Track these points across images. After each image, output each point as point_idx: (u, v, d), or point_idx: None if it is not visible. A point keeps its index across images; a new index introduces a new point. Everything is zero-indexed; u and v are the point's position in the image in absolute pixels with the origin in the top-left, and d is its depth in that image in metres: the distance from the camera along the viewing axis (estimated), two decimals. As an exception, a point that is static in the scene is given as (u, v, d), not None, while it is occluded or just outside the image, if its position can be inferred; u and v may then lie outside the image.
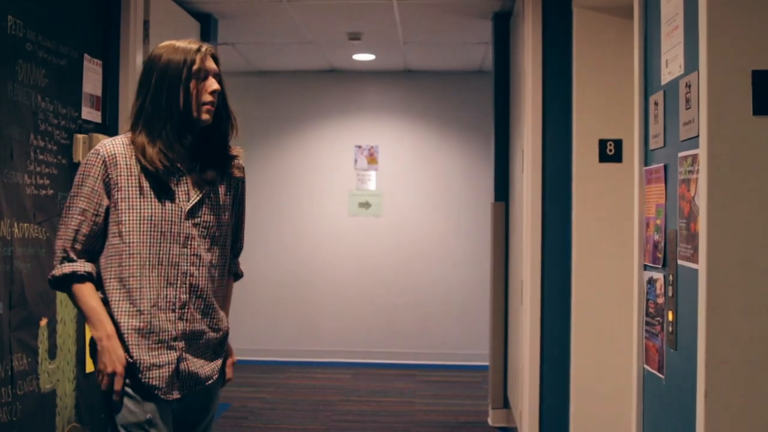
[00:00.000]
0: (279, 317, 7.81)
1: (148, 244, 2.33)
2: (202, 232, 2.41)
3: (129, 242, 2.32)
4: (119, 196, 2.33)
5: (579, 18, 4.18)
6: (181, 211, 2.37)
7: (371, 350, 7.73)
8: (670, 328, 2.43)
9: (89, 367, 4.05)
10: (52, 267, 2.38)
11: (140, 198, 2.33)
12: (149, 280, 2.33)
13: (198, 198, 2.40)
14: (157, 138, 2.34)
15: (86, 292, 2.33)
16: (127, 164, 2.34)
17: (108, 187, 2.33)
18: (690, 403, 2.17)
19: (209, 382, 2.48)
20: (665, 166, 2.51)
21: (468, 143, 7.71)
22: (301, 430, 5.44)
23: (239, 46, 6.72)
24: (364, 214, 7.80)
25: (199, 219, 2.40)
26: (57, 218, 3.69)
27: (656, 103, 2.62)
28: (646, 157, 2.77)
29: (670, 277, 2.44)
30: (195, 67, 2.40)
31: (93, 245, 2.36)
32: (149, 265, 2.33)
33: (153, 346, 2.33)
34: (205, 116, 2.43)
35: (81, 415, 3.98)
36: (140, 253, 2.32)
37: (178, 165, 2.38)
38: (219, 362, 2.53)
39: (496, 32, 5.60)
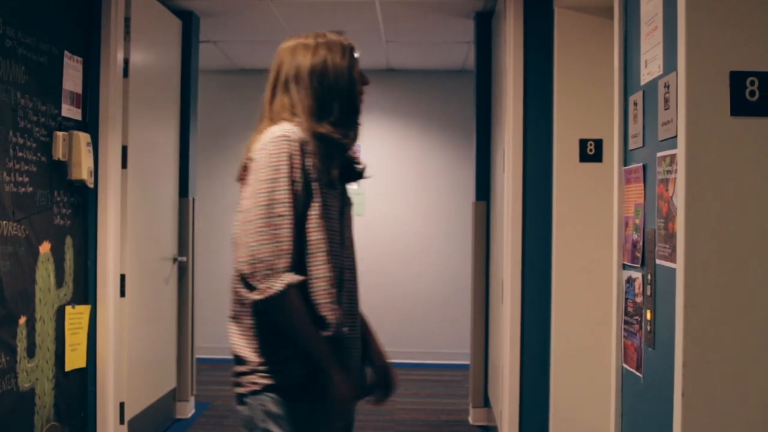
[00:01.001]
0: (260, 316, 7.78)
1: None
2: (350, 233, 2.32)
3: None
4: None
5: (560, 18, 4.19)
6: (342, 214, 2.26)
7: (353, 349, 7.71)
8: (648, 327, 2.44)
9: (68, 365, 4.03)
10: (259, 281, 2.00)
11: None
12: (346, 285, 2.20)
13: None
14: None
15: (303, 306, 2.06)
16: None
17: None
18: (668, 401, 2.19)
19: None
20: (644, 166, 2.52)
21: (450, 142, 7.72)
22: (282, 429, 5.43)
23: (221, 44, 6.70)
24: (346, 213, 7.79)
25: (348, 218, 2.31)
26: (36, 216, 3.67)
27: (636, 103, 2.64)
28: (626, 157, 2.79)
29: (649, 277, 2.45)
30: (357, 72, 2.48)
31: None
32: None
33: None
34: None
35: (60, 414, 3.96)
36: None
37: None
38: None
39: (478, 31, 5.61)
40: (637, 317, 2.58)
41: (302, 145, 2.09)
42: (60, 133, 3.90)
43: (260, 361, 2.09)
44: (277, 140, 2.09)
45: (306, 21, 5.89)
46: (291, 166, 2.06)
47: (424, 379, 7.04)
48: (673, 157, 2.21)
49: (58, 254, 3.93)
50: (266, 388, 2.08)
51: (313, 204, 2.09)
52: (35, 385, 3.72)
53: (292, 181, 2.05)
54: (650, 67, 2.48)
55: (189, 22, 5.55)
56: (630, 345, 2.66)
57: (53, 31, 3.90)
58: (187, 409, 5.58)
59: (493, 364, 5.25)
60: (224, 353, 8.27)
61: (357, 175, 2.35)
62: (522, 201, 4.47)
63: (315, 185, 2.10)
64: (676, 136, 2.17)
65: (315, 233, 2.08)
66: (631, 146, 2.71)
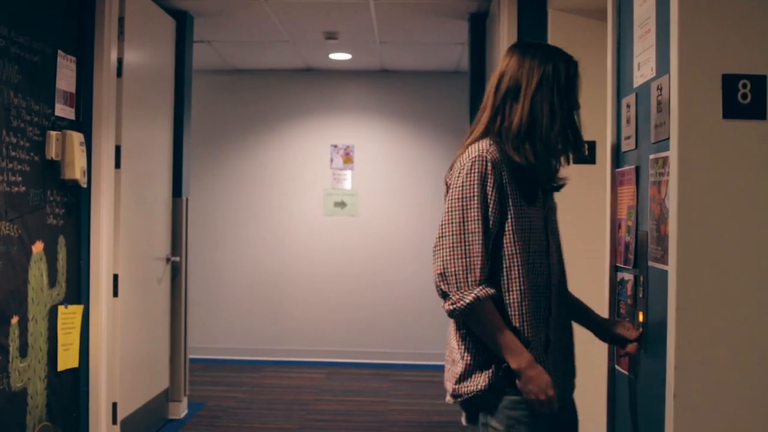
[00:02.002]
0: (253, 316, 7.79)
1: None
2: (555, 240, 2.42)
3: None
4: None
5: (554, 20, 4.20)
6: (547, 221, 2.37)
7: (346, 350, 7.72)
8: (641, 329, 2.45)
9: (61, 365, 4.02)
10: (452, 293, 2.18)
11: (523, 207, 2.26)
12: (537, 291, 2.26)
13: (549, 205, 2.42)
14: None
15: (497, 316, 2.18)
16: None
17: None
18: (659, 403, 2.19)
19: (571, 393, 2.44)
20: (637, 168, 2.53)
21: (444, 143, 7.72)
22: (275, 430, 5.43)
23: (215, 44, 6.69)
24: (339, 214, 7.80)
25: (553, 228, 2.42)
26: (29, 215, 3.66)
27: (628, 106, 2.65)
28: (618, 159, 2.79)
29: (641, 278, 2.46)
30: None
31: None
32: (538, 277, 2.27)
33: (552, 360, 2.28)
34: None
35: (52, 414, 3.95)
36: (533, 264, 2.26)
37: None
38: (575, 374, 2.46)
39: (472, 33, 5.62)
40: (629, 319, 2.59)
41: (495, 164, 2.19)
42: (53, 133, 3.89)
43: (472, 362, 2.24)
44: (472, 159, 2.20)
45: (300, 22, 5.89)
46: (483, 186, 2.18)
47: (418, 379, 7.04)
48: (665, 159, 2.21)
49: (50, 254, 3.93)
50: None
51: (507, 221, 2.20)
52: (27, 385, 3.71)
53: (484, 200, 2.17)
54: (643, 69, 2.48)
55: (183, 22, 5.55)
56: (622, 346, 2.66)
57: (47, 31, 3.90)
58: (180, 410, 5.57)
59: (485, 365, 5.24)
60: (217, 353, 8.27)
61: (557, 186, 2.44)
62: (515, 202, 4.47)
63: (510, 203, 2.20)
64: (668, 139, 2.18)
65: (509, 248, 2.21)
66: (623, 148, 2.72)
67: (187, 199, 5.65)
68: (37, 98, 3.79)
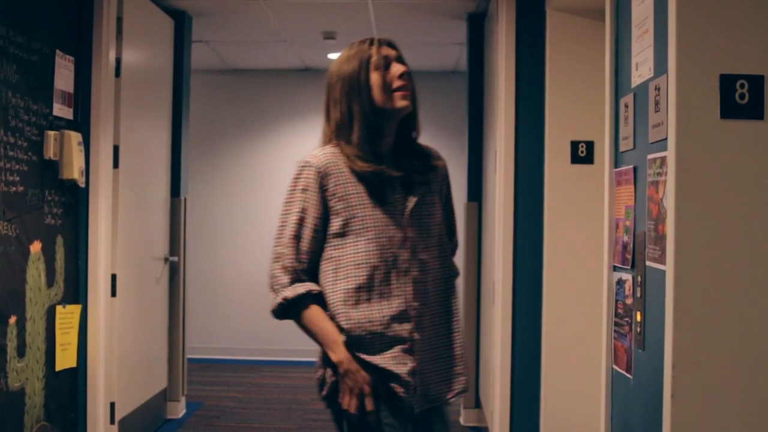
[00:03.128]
0: (252, 316, 7.78)
1: (378, 253, 2.22)
2: (423, 234, 2.31)
3: (356, 252, 2.23)
4: (340, 206, 2.24)
5: (552, 20, 4.20)
6: (402, 216, 2.28)
7: (344, 349, 7.71)
8: (638, 329, 2.45)
9: (59, 365, 4.02)
10: (276, 291, 2.23)
11: (361, 205, 2.24)
12: (380, 289, 2.23)
13: (416, 200, 2.31)
14: (349, 144, 2.28)
15: (319, 312, 2.24)
16: (341, 172, 2.26)
17: (325, 197, 2.25)
18: (657, 403, 2.19)
19: (447, 398, 2.35)
20: (635, 168, 2.53)
21: (442, 143, 7.64)
22: (273, 430, 5.43)
23: (213, 44, 6.69)
24: (338, 214, 7.79)
25: (419, 221, 2.31)
26: (27, 215, 3.66)
27: (626, 106, 2.65)
28: (616, 159, 2.79)
29: (639, 278, 2.46)
30: (373, 59, 2.31)
31: (313, 261, 2.26)
32: (379, 273, 2.23)
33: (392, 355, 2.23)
34: (402, 102, 2.29)
35: (50, 414, 3.95)
36: (369, 263, 2.22)
37: (384, 167, 2.27)
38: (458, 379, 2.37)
39: (470, 33, 5.62)
40: (627, 319, 2.59)
41: (319, 170, 2.26)
42: (51, 133, 3.89)
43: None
44: (297, 166, 2.30)
45: (298, 21, 5.89)
46: (305, 190, 2.26)
47: (416, 379, 7.03)
48: (663, 159, 2.21)
49: (48, 254, 3.92)
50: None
51: (333, 222, 2.25)
52: (25, 385, 3.71)
53: (304, 204, 2.25)
54: (641, 69, 2.49)
55: (181, 22, 5.54)
56: (620, 346, 2.67)
57: (45, 30, 3.90)
58: (178, 409, 5.57)
59: (484, 365, 5.25)
60: (215, 353, 8.25)
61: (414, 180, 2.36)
62: (514, 202, 4.48)
63: (337, 204, 2.25)
64: (666, 139, 2.18)
65: (330, 251, 2.26)
66: (621, 148, 2.72)
67: (185, 199, 5.65)
68: (35, 98, 3.79)
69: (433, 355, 2.31)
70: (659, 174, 2.25)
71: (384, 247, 2.23)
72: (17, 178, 3.61)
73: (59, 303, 4.03)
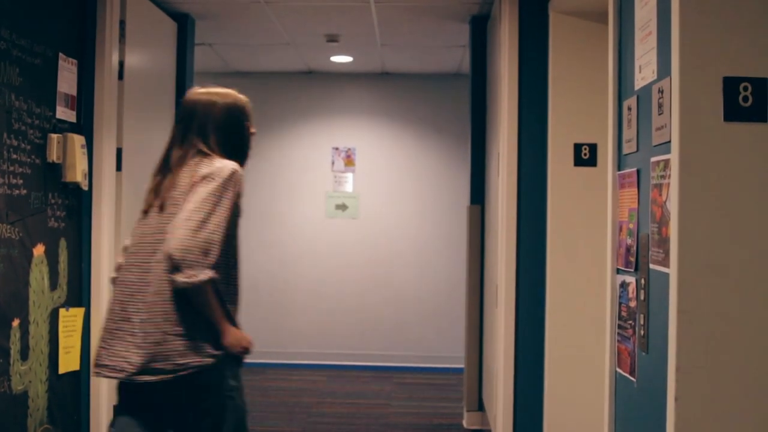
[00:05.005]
0: (255, 319, 7.77)
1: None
2: None
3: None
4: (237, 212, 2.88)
5: (555, 22, 4.20)
6: None
7: (347, 352, 7.72)
8: (642, 332, 2.44)
9: (62, 368, 4.02)
10: (194, 270, 2.58)
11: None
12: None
13: None
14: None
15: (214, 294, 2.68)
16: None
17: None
18: (661, 406, 2.19)
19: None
20: (638, 171, 2.53)
21: (445, 146, 7.72)
22: (275, 432, 5.43)
23: (217, 47, 6.70)
24: (341, 216, 7.80)
25: None
26: (30, 218, 3.67)
27: (630, 108, 2.64)
28: (620, 162, 2.79)
29: (642, 281, 2.46)
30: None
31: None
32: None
33: None
34: None
35: (53, 417, 3.95)
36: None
37: None
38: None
39: (473, 36, 5.62)
40: (630, 322, 2.59)
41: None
42: (54, 136, 3.89)
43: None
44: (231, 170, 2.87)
45: (302, 24, 5.90)
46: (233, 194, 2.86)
47: (418, 382, 7.04)
48: (666, 162, 2.21)
49: (52, 257, 3.93)
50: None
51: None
52: (28, 388, 3.71)
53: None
54: (644, 72, 2.48)
55: (184, 25, 5.55)
56: (624, 349, 2.66)
57: (48, 33, 3.90)
58: (181, 412, 5.56)
59: (487, 368, 5.25)
60: (218, 356, 8.14)
61: None
62: (516, 205, 4.47)
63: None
64: (669, 141, 2.18)
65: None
66: (625, 151, 2.71)
67: (188, 202, 5.64)
68: (39, 101, 3.79)
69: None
70: (662, 177, 2.25)
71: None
72: (20, 181, 3.62)
73: (62, 306, 4.04)
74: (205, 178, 2.72)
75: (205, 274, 2.57)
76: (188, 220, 2.59)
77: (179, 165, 2.84)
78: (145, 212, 2.85)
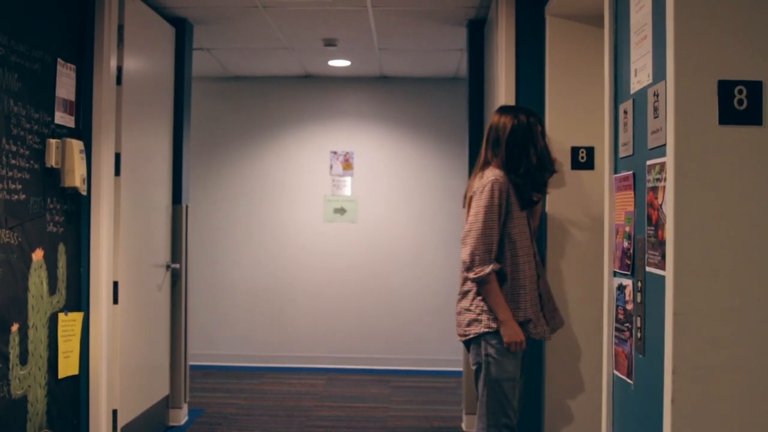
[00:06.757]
0: (254, 323, 7.79)
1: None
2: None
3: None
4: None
5: (552, 26, 4.21)
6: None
7: (346, 356, 7.73)
8: (639, 334, 2.46)
9: (61, 372, 4.02)
10: (476, 267, 3.48)
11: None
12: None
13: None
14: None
15: (497, 284, 3.50)
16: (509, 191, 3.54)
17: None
18: (657, 408, 2.20)
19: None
20: (634, 174, 2.54)
21: (443, 149, 7.73)
22: (275, 436, 5.44)
23: (215, 52, 6.71)
24: (339, 220, 7.81)
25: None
26: (29, 223, 3.68)
27: (625, 112, 2.66)
28: (616, 165, 2.80)
29: (639, 284, 2.47)
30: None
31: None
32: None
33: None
34: None
35: (52, 421, 3.95)
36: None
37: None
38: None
39: (470, 39, 5.63)
40: (627, 324, 2.60)
41: (501, 185, 3.52)
42: (53, 141, 3.90)
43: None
44: (491, 181, 3.52)
45: (299, 28, 5.91)
46: (499, 199, 3.50)
47: (417, 385, 7.04)
48: (662, 165, 2.22)
49: (50, 261, 3.93)
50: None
51: (509, 223, 3.54)
52: (28, 393, 3.72)
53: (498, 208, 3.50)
54: (640, 75, 2.50)
55: (182, 30, 5.56)
56: (621, 352, 2.67)
57: (46, 39, 3.91)
58: (180, 416, 5.57)
59: (485, 371, 5.24)
60: (217, 360, 8.25)
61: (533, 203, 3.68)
62: (514, 208, 4.47)
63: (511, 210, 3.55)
64: (665, 145, 2.19)
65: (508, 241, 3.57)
66: (621, 154, 2.73)
67: (187, 206, 5.66)
68: (37, 106, 3.80)
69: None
70: (658, 180, 2.26)
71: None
72: (19, 186, 3.63)
73: (61, 310, 4.04)
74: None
75: None
76: None
77: None
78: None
